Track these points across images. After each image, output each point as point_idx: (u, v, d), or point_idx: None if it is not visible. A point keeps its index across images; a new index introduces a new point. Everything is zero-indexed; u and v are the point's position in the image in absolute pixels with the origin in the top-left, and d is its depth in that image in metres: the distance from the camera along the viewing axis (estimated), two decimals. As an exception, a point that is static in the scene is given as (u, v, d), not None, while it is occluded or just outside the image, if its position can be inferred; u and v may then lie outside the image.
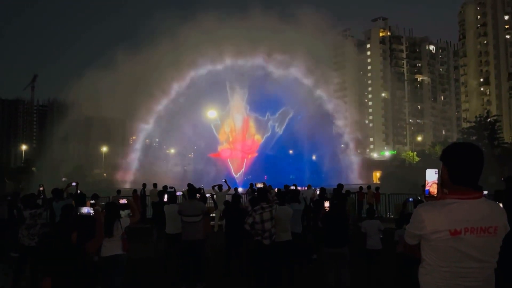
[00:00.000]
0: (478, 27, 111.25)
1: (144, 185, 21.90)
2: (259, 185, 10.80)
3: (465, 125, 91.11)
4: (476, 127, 70.62)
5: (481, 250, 2.44)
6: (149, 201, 20.16)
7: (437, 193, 2.63)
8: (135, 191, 20.42)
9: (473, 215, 2.44)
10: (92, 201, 8.57)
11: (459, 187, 2.49)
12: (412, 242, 2.62)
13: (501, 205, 6.75)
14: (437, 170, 2.69)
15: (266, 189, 8.64)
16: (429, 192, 2.63)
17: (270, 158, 69.34)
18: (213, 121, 74.17)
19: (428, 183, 2.65)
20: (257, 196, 8.19)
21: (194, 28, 70.54)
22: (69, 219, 7.38)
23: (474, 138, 68.55)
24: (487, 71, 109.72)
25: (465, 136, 72.27)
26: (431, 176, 2.68)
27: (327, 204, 7.85)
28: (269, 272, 7.79)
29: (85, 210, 6.06)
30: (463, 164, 2.50)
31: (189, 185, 10.78)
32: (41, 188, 11.74)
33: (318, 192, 13.56)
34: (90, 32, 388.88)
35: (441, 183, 2.61)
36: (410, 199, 10.48)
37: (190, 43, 70.72)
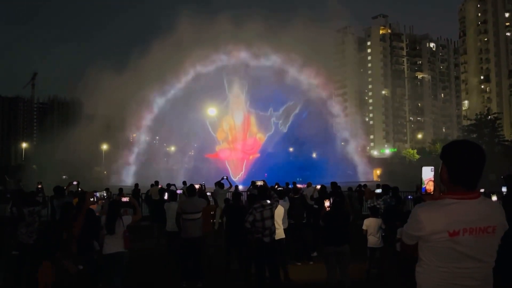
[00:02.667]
0: (478, 25, 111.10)
1: (136, 185, 21.02)
2: (259, 183, 10.86)
3: (465, 122, 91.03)
4: (477, 124, 70.62)
5: (480, 250, 2.43)
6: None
7: (434, 191, 2.62)
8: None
9: (472, 215, 2.43)
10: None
11: (458, 187, 2.47)
12: (410, 243, 2.60)
13: (494, 197, 6.78)
14: (433, 167, 2.67)
15: (267, 187, 8.66)
16: (425, 190, 2.63)
17: (272, 157, 68.16)
18: (209, 119, 71.99)
19: (424, 181, 2.64)
20: (258, 194, 8.22)
21: (194, 25, 70.51)
22: (68, 216, 7.44)
23: (474, 135, 68.54)
24: (487, 69, 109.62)
25: (465, 133, 72.25)
26: (427, 173, 2.66)
27: (327, 203, 7.86)
28: (270, 270, 7.81)
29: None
30: (463, 164, 2.45)
31: (186, 182, 10.76)
32: (39, 186, 11.71)
33: (318, 188, 13.57)
34: (90, 29, 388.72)
35: (440, 181, 2.59)
36: (409, 197, 10.50)
37: (191, 40, 70.63)
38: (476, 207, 2.46)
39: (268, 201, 7.89)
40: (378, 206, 11.70)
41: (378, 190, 12.04)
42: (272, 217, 7.79)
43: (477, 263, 2.43)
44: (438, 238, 2.43)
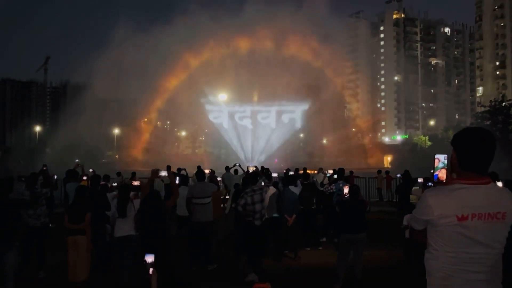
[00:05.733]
0: (495, 9, 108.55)
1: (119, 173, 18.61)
2: (251, 169, 11.33)
3: (479, 109, 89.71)
4: (490, 111, 69.45)
5: (489, 236, 2.43)
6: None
7: (446, 179, 2.62)
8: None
9: (481, 200, 2.43)
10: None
11: (468, 173, 2.47)
12: (419, 228, 2.62)
13: (500, 183, 6.68)
14: (446, 155, 2.67)
15: (257, 173, 9.29)
16: (437, 178, 2.63)
17: (283, 143, 67.95)
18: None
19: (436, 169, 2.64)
20: (248, 179, 8.57)
21: (208, 8, 70.11)
22: (83, 199, 7.58)
23: (488, 122, 67.50)
24: (503, 55, 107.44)
25: (479, 120, 71.16)
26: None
27: (346, 190, 7.84)
28: (257, 251, 8.11)
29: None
30: (472, 149, 2.46)
31: (198, 167, 10.86)
32: (44, 168, 11.70)
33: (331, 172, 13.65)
34: (103, 13, 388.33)
35: (450, 167, 2.60)
36: (429, 184, 10.33)
37: (203, 24, 70.30)
38: (486, 193, 2.45)
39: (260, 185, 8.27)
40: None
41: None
42: (261, 201, 8.07)
43: (485, 249, 2.43)
44: (446, 222, 2.43)
